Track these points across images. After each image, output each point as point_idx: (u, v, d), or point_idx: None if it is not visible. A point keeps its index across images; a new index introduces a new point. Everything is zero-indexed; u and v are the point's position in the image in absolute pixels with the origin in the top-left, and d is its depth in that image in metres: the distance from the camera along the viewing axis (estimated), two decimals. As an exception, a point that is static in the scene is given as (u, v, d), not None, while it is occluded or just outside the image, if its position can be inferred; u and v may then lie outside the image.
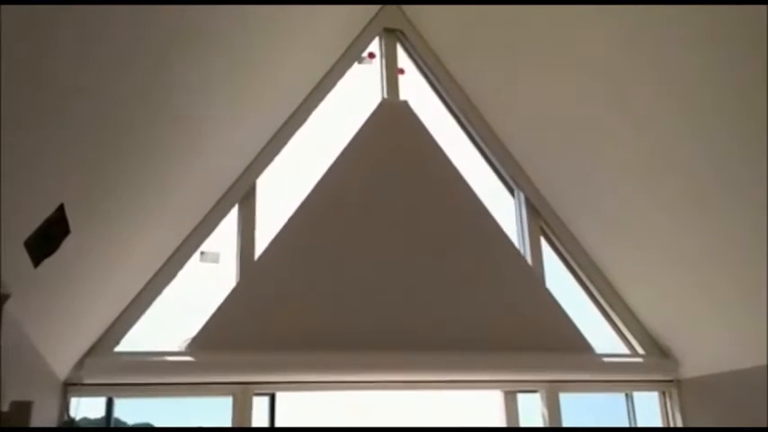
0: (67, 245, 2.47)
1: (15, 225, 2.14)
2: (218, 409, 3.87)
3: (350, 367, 3.96)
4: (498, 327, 4.24)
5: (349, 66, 4.59)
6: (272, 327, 3.93)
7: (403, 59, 4.73)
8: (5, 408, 2.33)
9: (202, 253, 4.06)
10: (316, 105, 4.45)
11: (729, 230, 3.63)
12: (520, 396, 4.38)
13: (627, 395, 4.60)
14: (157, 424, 3.94)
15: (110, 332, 3.76)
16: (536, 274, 4.54)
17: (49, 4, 1.65)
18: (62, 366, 3.50)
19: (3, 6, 1.42)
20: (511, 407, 4.35)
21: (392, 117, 4.52)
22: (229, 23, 2.86)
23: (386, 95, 4.60)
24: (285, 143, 4.35)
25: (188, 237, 4.02)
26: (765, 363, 3.78)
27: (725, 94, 3.18)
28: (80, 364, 3.63)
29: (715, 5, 2.90)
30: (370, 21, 4.62)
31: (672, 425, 4.51)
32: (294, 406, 4.11)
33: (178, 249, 3.99)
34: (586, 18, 3.51)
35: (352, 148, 4.38)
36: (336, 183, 4.30)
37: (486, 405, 4.44)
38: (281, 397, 4.04)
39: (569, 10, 3.53)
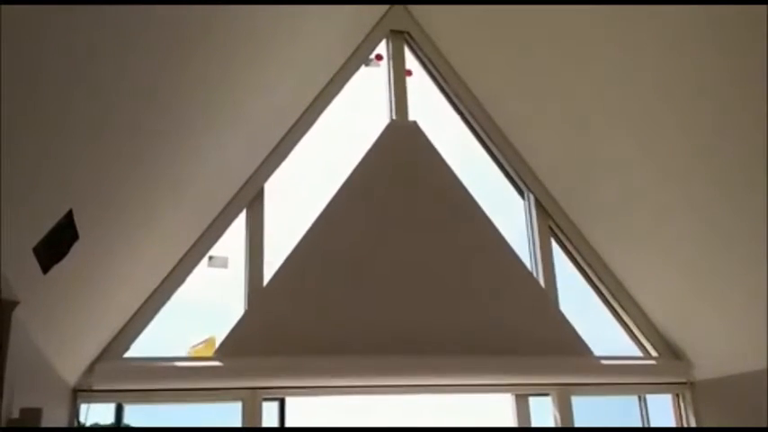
0: (76, 251, 2.46)
1: (24, 231, 2.13)
2: (228, 415, 3.86)
3: (361, 371, 3.95)
4: (509, 332, 4.22)
5: (356, 68, 4.57)
6: (282, 332, 3.92)
7: (410, 61, 4.71)
8: (16, 415, 2.32)
9: (211, 258, 4.05)
10: (323, 108, 4.44)
11: (740, 231, 3.60)
12: (531, 399, 4.35)
13: (640, 397, 4.56)
14: (167, 430, 3.93)
15: (119, 338, 3.76)
16: (545, 278, 4.51)
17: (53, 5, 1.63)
18: (71, 373, 3.49)
19: (4, 7, 1.40)
20: (522, 410, 4.32)
21: (401, 139, 4.50)
22: (235, 25, 2.85)
23: (394, 115, 4.56)
24: (293, 147, 4.34)
25: (196, 241, 4.01)
26: (780, 364, 3.75)
27: (733, 99, 3.15)
28: (89, 371, 3.62)
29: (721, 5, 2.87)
30: (377, 23, 4.61)
31: (685, 427, 4.46)
32: (304, 411, 4.09)
33: (186, 254, 3.98)
34: (598, 19, 3.49)
35: (360, 171, 4.35)
36: (345, 203, 4.27)
37: (497, 409, 4.42)
38: (290, 402, 4.02)
39: (578, 10, 3.51)
